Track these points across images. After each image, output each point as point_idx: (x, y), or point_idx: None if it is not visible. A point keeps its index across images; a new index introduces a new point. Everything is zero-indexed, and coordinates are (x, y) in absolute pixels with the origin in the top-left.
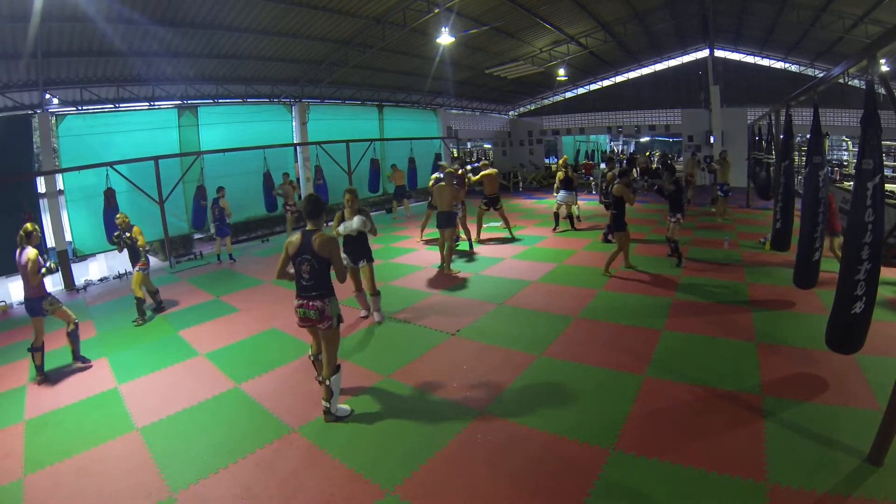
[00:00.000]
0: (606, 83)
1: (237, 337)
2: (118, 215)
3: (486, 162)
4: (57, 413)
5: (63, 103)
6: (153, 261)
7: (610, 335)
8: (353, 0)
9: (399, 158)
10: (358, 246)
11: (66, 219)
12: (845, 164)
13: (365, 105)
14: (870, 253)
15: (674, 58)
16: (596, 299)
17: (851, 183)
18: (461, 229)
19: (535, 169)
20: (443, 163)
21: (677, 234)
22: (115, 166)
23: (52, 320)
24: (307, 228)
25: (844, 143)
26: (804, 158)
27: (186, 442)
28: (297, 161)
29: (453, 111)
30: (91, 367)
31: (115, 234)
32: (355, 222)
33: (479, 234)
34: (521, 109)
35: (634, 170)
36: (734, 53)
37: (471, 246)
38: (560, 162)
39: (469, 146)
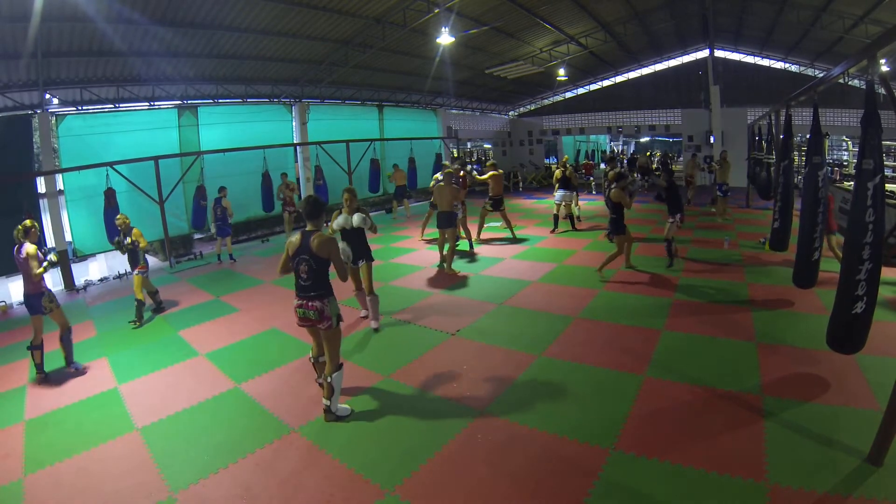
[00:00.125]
0: (606, 83)
1: (237, 337)
2: (118, 216)
3: (493, 162)
4: (57, 413)
5: (63, 103)
6: (153, 261)
7: (610, 335)
8: (353, 0)
9: (399, 158)
10: (358, 245)
11: (66, 219)
12: (845, 164)
13: (365, 105)
14: (870, 253)
15: (674, 58)
16: (596, 299)
17: (851, 183)
18: (461, 229)
19: (535, 169)
20: (445, 162)
21: (671, 234)
22: (115, 166)
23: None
24: (307, 229)
25: (844, 143)
26: (804, 158)
27: (186, 442)
28: (297, 161)
29: (453, 111)
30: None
31: (116, 239)
32: (355, 219)
33: (479, 233)
34: (521, 109)
35: (635, 172)
36: (734, 53)
37: (471, 246)
38: (561, 162)
39: (469, 146)
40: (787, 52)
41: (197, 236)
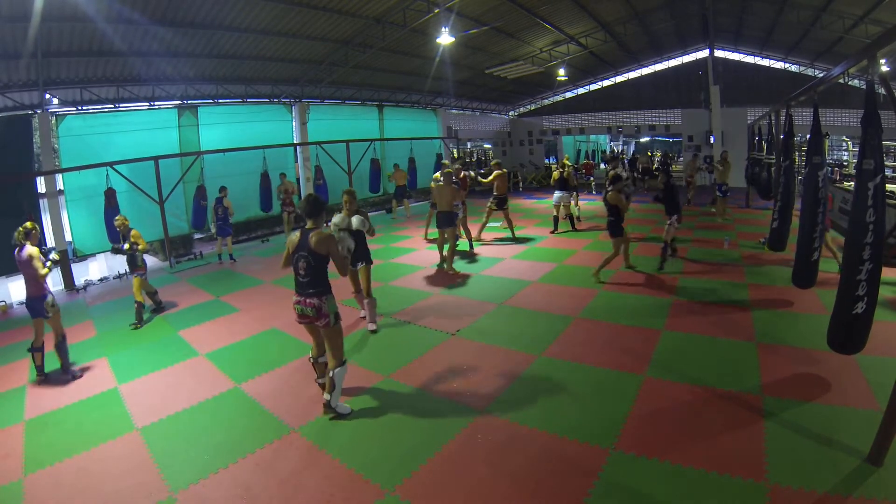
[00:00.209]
0: (606, 83)
1: (237, 337)
2: (117, 217)
3: (497, 161)
4: (57, 413)
5: (63, 103)
6: (153, 261)
7: (610, 335)
8: (353, 0)
9: (399, 158)
10: (357, 247)
11: (66, 219)
12: (845, 164)
13: (365, 105)
14: (871, 253)
15: (674, 58)
16: (596, 299)
17: (852, 183)
18: (461, 229)
19: (535, 169)
20: (444, 161)
21: (670, 236)
22: (115, 166)
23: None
24: (307, 227)
25: (844, 143)
26: (804, 158)
27: (186, 442)
28: (297, 161)
29: (453, 111)
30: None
31: (115, 245)
32: (354, 221)
33: (481, 231)
34: (521, 109)
35: (635, 172)
36: (734, 53)
37: (471, 246)
38: (560, 162)
39: (469, 146)
40: (787, 52)
41: (197, 236)
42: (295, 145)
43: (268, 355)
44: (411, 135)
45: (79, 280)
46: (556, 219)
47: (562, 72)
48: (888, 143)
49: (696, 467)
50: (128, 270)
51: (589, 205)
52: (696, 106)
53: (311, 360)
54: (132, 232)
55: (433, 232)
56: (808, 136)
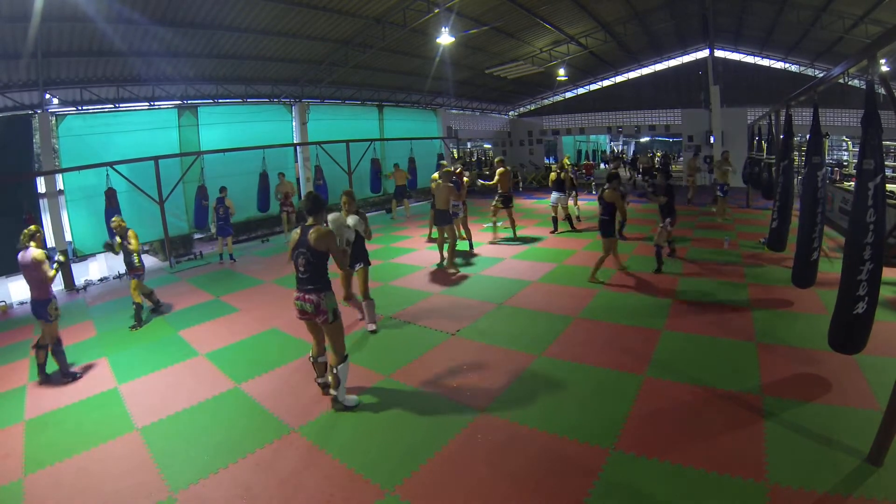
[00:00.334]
0: (606, 83)
1: (237, 337)
2: (114, 219)
3: (500, 159)
4: (57, 413)
5: (63, 103)
6: (153, 261)
7: (610, 335)
8: (352, 0)
9: (399, 158)
10: (355, 249)
11: (66, 219)
12: (845, 164)
13: (365, 105)
14: (872, 253)
15: (674, 58)
16: (596, 299)
17: (852, 183)
18: (462, 229)
19: (535, 169)
20: (443, 161)
21: (662, 239)
22: (115, 166)
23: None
24: (307, 224)
25: (844, 143)
26: (804, 158)
27: (186, 442)
28: (297, 161)
29: (453, 111)
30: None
31: (106, 242)
32: (350, 220)
33: (495, 230)
34: (521, 109)
35: (635, 172)
36: (734, 53)
37: (471, 246)
38: (559, 163)
39: (469, 146)
40: (787, 52)
41: (197, 236)
42: (295, 145)
43: (268, 355)
44: (411, 135)
45: (79, 280)
46: (555, 219)
47: (562, 72)
48: (888, 143)
49: (696, 467)
50: (126, 272)
51: (589, 205)
52: (696, 106)
53: (311, 359)
54: (129, 232)
55: (435, 231)
56: (807, 136)
